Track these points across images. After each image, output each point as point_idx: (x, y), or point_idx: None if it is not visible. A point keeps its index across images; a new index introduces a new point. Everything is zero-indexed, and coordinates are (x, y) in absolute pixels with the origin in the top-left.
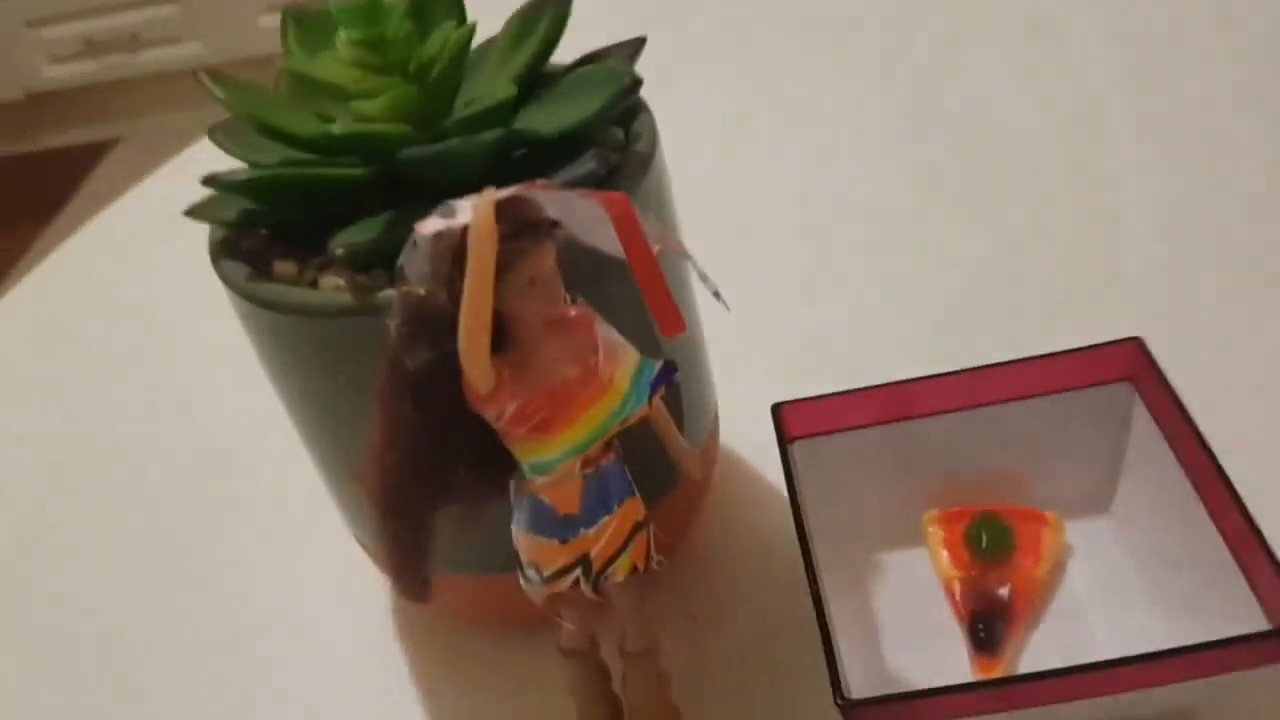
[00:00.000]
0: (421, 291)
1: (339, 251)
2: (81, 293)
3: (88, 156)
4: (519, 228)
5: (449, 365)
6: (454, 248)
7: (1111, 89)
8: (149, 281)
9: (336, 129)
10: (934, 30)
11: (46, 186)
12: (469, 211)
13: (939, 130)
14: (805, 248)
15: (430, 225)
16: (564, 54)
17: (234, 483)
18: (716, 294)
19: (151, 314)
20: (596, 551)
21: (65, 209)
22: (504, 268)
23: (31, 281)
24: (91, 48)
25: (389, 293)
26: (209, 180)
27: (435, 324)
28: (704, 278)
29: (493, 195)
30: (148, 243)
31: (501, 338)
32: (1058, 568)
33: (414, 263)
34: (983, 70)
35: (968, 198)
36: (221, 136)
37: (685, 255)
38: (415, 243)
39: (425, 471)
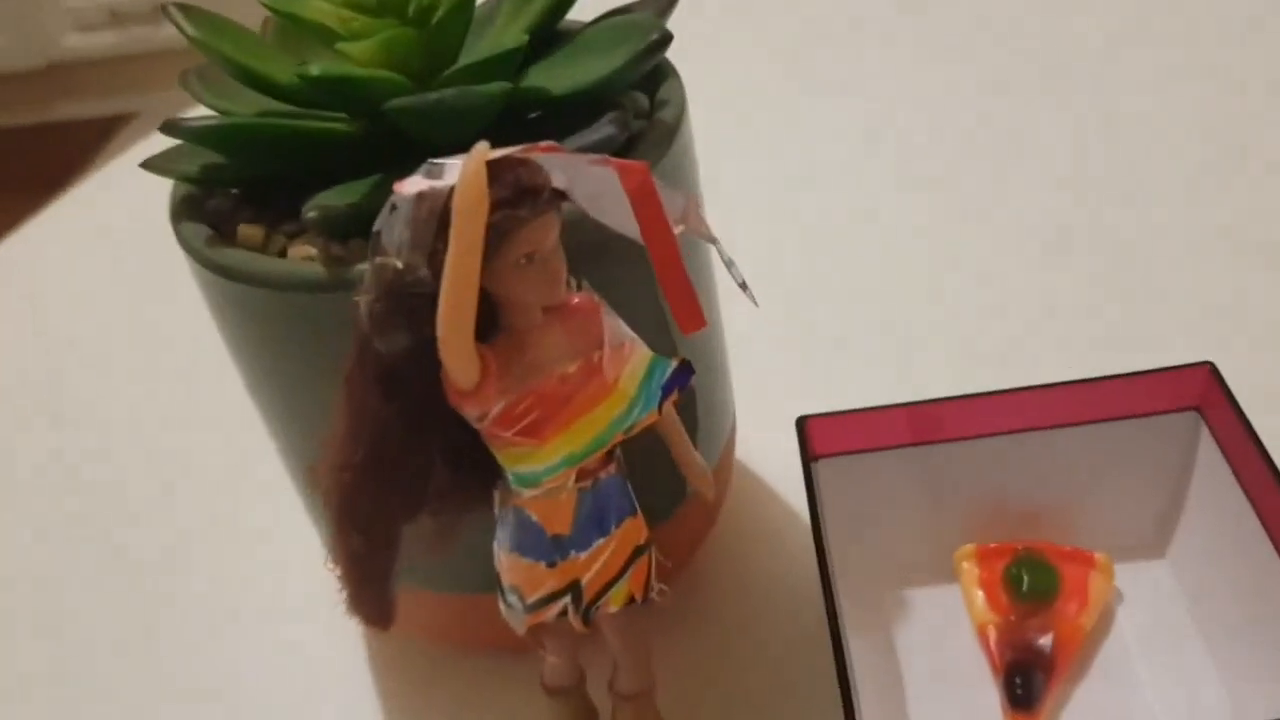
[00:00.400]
0: (399, 263)
1: (312, 215)
2: (49, 264)
3: (101, 130)
4: (517, 193)
5: (428, 350)
6: (439, 213)
7: (1186, 100)
8: (123, 249)
9: (314, 70)
10: (997, 23)
11: (58, 159)
12: (457, 171)
13: (996, 130)
14: (839, 246)
15: (412, 185)
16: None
17: (191, 477)
18: (743, 285)
19: (120, 284)
20: (588, 579)
21: (73, 183)
22: (496, 239)
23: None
24: (116, 18)
25: (365, 266)
26: (168, 126)
27: (413, 302)
28: (730, 265)
29: (485, 152)
30: (128, 212)
31: (491, 324)
32: (1105, 616)
33: (392, 229)
34: (1048, 77)
35: (1022, 202)
36: (193, 82)
37: (711, 239)
38: (394, 205)
39: (394, 474)
